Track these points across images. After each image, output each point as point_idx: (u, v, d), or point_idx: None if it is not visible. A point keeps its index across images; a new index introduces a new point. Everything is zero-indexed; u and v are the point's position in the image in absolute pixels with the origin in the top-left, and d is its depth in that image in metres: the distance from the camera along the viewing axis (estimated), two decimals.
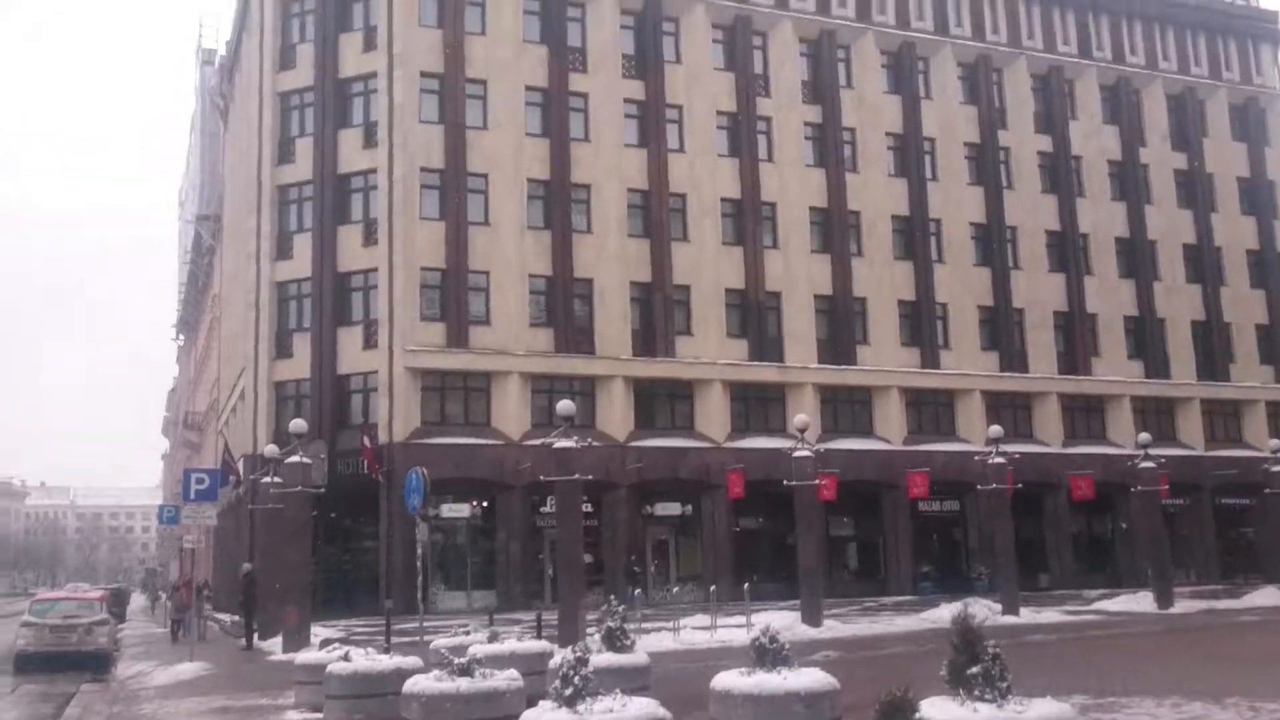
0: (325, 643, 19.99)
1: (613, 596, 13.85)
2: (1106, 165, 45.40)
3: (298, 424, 23.54)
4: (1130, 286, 44.59)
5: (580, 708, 7.81)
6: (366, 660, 12.34)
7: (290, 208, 35.93)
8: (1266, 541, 40.92)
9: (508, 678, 10.08)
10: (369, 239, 34.53)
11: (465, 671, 10.03)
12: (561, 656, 8.64)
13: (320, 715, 12.38)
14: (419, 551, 18.55)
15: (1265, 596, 32.71)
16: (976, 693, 7.11)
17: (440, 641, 15.01)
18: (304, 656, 14.60)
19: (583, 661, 8.22)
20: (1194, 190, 46.65)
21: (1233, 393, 45.55)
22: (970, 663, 7.26)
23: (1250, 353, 46.30)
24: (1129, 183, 45.37)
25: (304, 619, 21.88)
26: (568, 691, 7.98)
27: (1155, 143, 46.43)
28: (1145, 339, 44.26)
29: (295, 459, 22.63)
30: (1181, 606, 29.31)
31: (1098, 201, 44.72)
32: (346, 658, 12.42)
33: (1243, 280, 46.96)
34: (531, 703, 8.68)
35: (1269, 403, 45.85)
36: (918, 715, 5.20)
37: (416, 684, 9.98)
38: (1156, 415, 43.89)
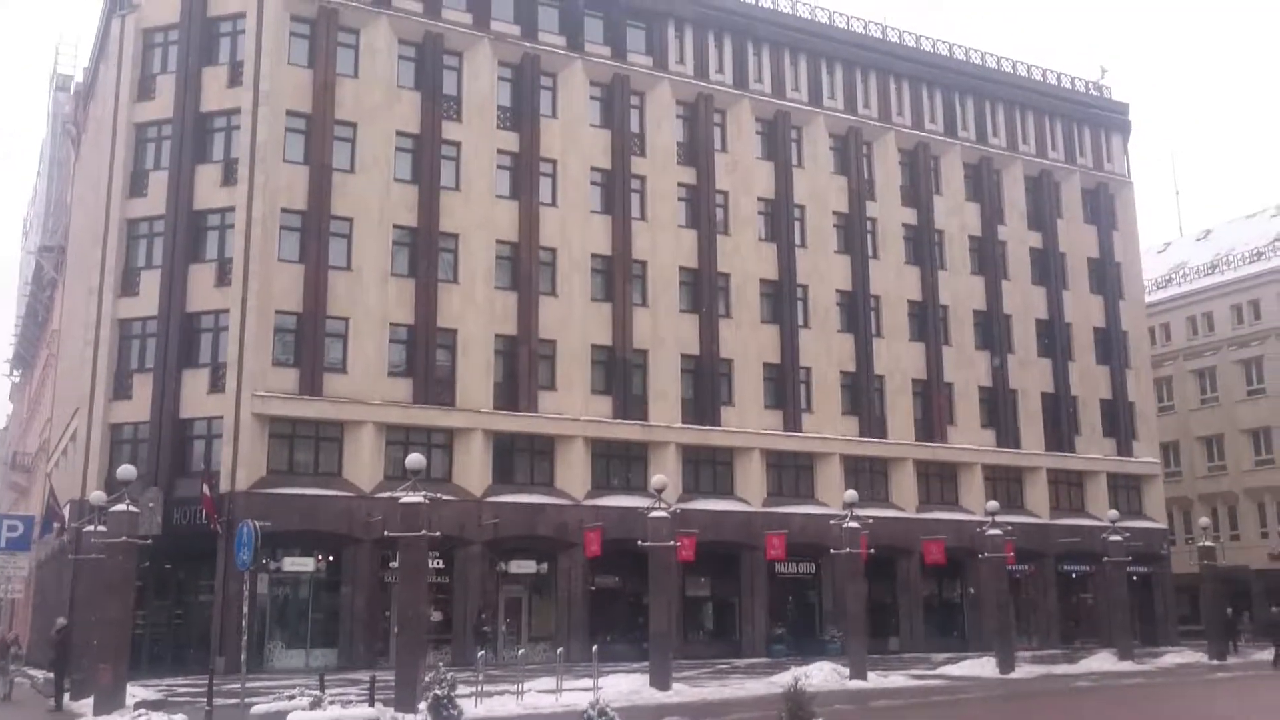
0: (140, 705, 18.75)
1: (441, 662, 13.21)
2: (967, 240, 46.87)
3: (126, 470, 22.19)
4: (985, 358, 45.90)
5: None
6: None
7: (139, 242, 34.39)
8: (1104, 608, 42.23)
9: None
10: (222, 279, 33.24)
11: None
12: None
13: None
14: (244, 608, 17.50)
15: (1100, 661, 33.66)
16: None
17: (260, 707, 14.10)
18: None
19: None
20: (1047, 268, 48.46)
21: (1077, 464, 47.10)
22: None
23: (1095, 426, 48.01)
24: (987, 258, 46.89)
25: (119, 678, 20.44)
26: None
27: (1013, 220, 48.16)
28: (998, 409, 45.53)
29: (122, 507, 21.29)
30: (1022, 671, 29.80)
31: (957, 274, 46.06)
32: None
33: (1089, 356, 48.78)
34: None
35: (1110, 474, 47.54)
36: None
37: None
38: (1006, 483, 45.08)
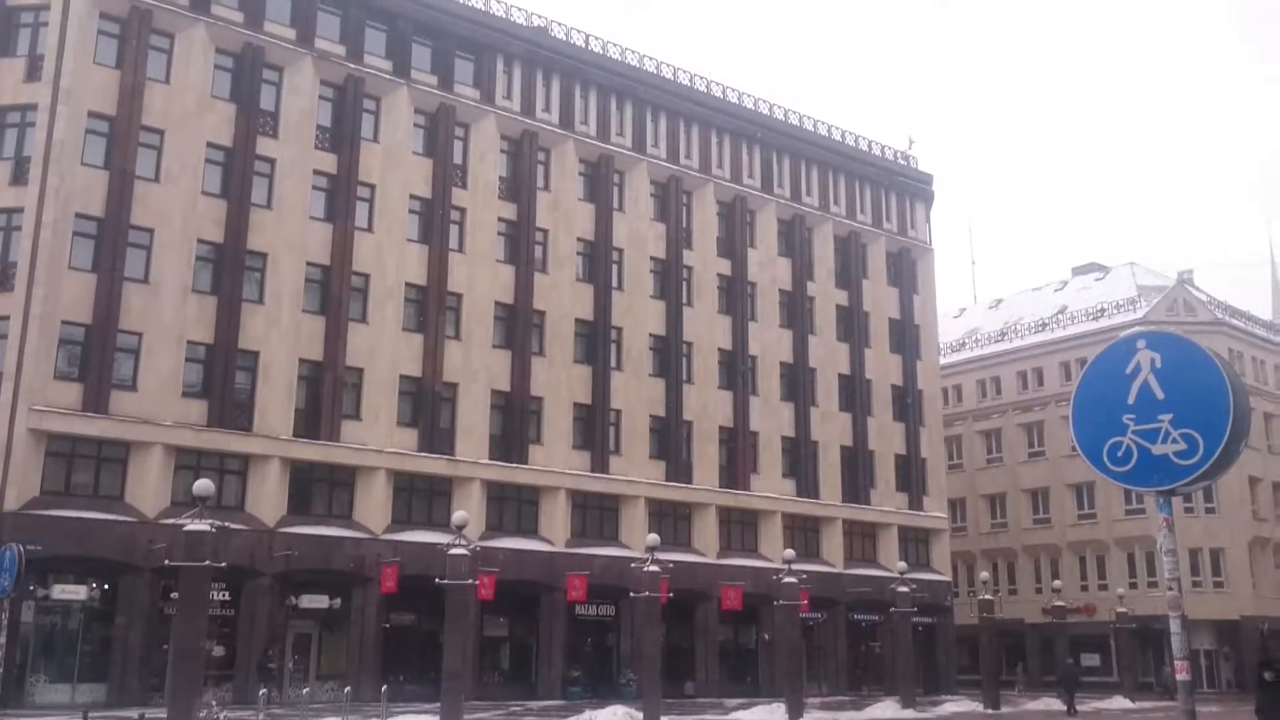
0: None
1: (213, 701, 12.54)
2: (778, 293, 48.26)
3: None
4: (790, 408, 47.22)
5: None
6: None
7: None
8: (891, 656, 43.80)
9: None
10: (3, 284, 31.08)
11: None
12: None
13: None
14: (1, 639, 16.24)
15: (884, 709, 34.80)
16: None
17: None
18: None
19: None
20: (852, 325, 50.36)
21: (871, 515, 48.88)
22: None
23: (889, 479, 49.97)
24: (796, 311, 48.38)
25: None
26: None
27: (822, 277, 49.91)
28: (799, 459, 46.85)
29: None
30: (811, 717, 30.48)
31: (767, 326, 47.34)
32: None
33: (887, 412, 50.81)
34: None
35: (901, 527, 49.52)
36: None
37: None
38: (804, 532, 46.36)
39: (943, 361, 57.67)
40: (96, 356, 31.32)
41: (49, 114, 31.99)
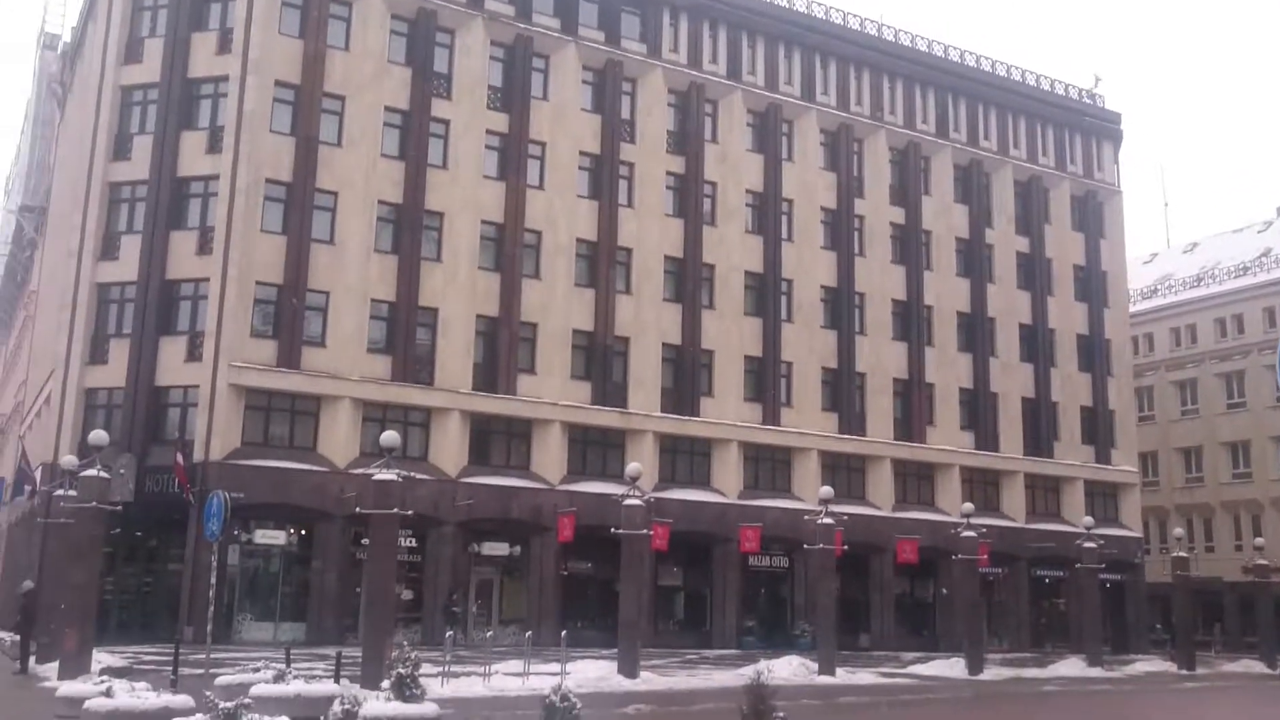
0: (105, 670, 18.56)
1: (405, 641, 13.07)
2: (954, 241, 46.85)
3: (98, 435, 21.97)
4: (968, 359, 45.94)
5: None
6: (130, 697, 11.27)
7: (121, 206, 34.02)
8: (1075, 614, 42.41)
9: None
10: (203, 247, 32.92)
11: (230, 716, 9.17)
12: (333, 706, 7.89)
13: None
14: (212, 578, 17.32)
15: (1069, 667, 33.75)
16: None
17: (224, 678, 13.94)
18: (66, 688, 13.33)
19: (350, 715, 7.49)
20: (1033, 273, 48.52)
21: (1055, 469, 47.24)
22: None
23: (1074, 432, 48.14)
24: (974, 260, 46.89)
25: (84, 643, 20.24)
26: None
27: (1001, 224, 48.17)
28: (978, 411, 45.59)
29: (92, 472, 21.06)
30: (991, 673, 29.84)
31: (943, 275, 46.05)
32: (109, 693, 11.32)
33: (1071, 363, 48.88)
34: None
35: (1087, 481, 47.69)
36: None
37: None
38: (983, 486, 45.17)
39: (1132, 309, 54.98)
40: (288, 314, 32.89)
41: (239, 84, 33.56)
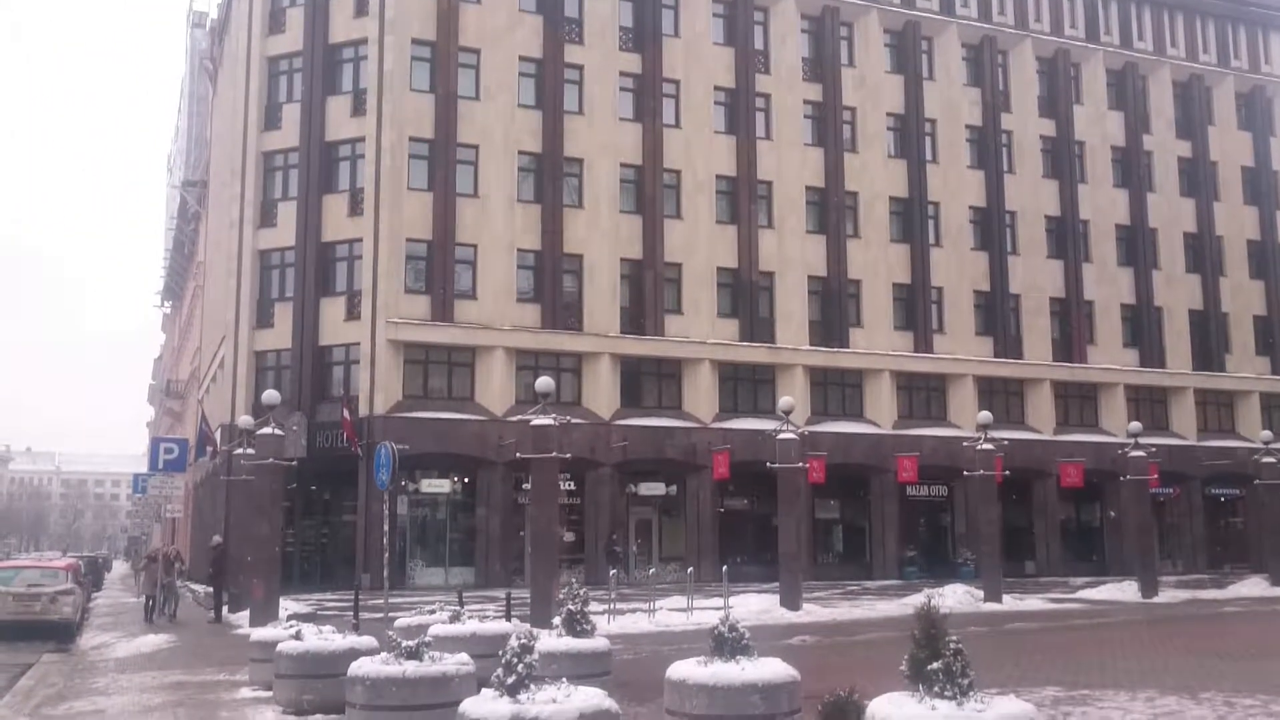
0: (293, 617, 19.62)
1: (574, 579, 13.42)
2: (1110, 151, 44.82)
3: (270, 395, 23.06)
4: (1129, 274, 44.10)
5: (522, 696, 7.35)
6: (318, 639, 11.88)
7: (275, 175, 35.35)
8: (1255, 532, 40.65)
9: (458, 662, 9.62)
10: (354, 208, 33.97)
11: (414, 654, 9.58)
12: (510, 641, 8.17)
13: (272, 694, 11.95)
14: (385, 527, 18.07)
15: (1250, 587, 32.41)
16: (936, 689, 6.72)
17: (403, 620, 14.56)
18: (259, 633, 14.16)
19: (527, 649, 7.74)
20: (1197, 178, 46.12)
21: (1228, 383, 45.15)
22: (931, 658, 6.86)
23: (1247, 344, 45.86)
24: (1131, 169, 44.81)
25: (271, 592, 21.44)
26: (510, 680, 7.51)
27: (1160, 129, 45.83)
28: (1142, 327, 43.82)
29: (268, 430, 22.14)
30: (1166, 596, 28.93)
31: (1099, 187, 44.16)
32: (298, 636, 11.97)
33: (1242, 271, 46.46)
34: (483, 687, 8.23)
35: (1263, 394, 45.47)
36: (868, 716, 4.76)
37: (361, 666, 9.53)
38: (1150, 404, 43.51)
39: None
40: (439, 269, 33.76)
41: (378, 45, 34.29)
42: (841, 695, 4.80)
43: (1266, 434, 36.06)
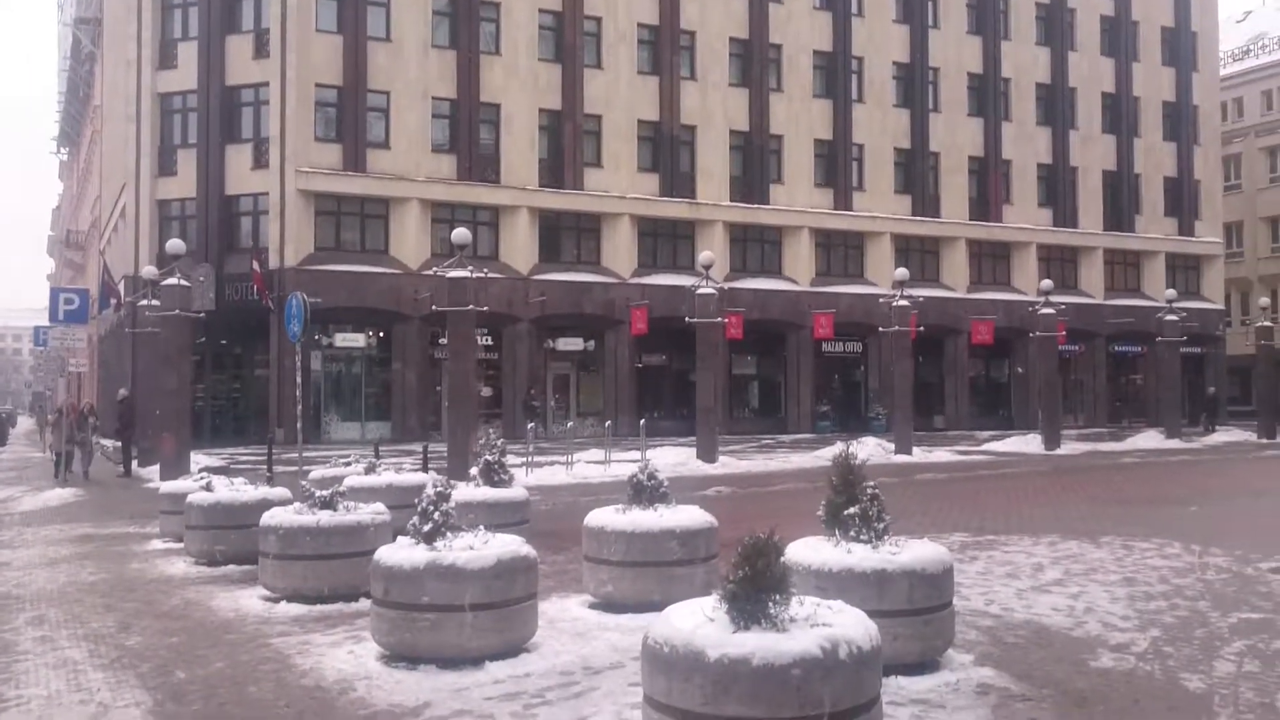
0: (204, 470, 19.33)
1: (490, 430, 13.32)
2: (1034, 7, 44.45)
3: (175, 244, 22.21)
4: (1046, 134, 44.31)
5: (439, 544, 7.25)
6: (229, 490, 11.67)
7: (174, 13, 33.46)
8: (1154, 388, 42.14)
9: (372, 511, 9.51)
10: (260, 50, 32.40)
11: (328, 504, 9.43)
12: (425, 490, 8.03)
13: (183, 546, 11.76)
14: (298, 379, 17.72)
15: (1146, 439, 33.68)
16: (852, 533, 6.79)
17: (318, 473, 14.38)
18: (168, 485, 13.88)
19: (443, 497, 7.62)
20: (1118, 37, 46.07)
21: (1136, 244, 46.07)
22: (848, 504, 6.91)
23: (1156, 205, 46.69)
24: (1055, 26, 44.57)
25: (182, 446, 21.05)
26: (426, 527, 7.40)
27: None
28: (1056, 187, 44.27)
29: (173, 281, 21.41)
30: (1068, 448, 29.91)
31: (1022, 44, 43.92)
32: (208, 487, 11.74)
33: (1156, 132, 46.96)
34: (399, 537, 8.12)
35: (1169, 254, 46.53)
36: (784, 559, 4.73)
37: (274, 516, 9.35)
38: (1061, 263, 44.33)
39: (1222, 72, 52.16)
40: (350, 117, 32.55)
41: None
42: (760, 538, 4.74)
43: (1171, 292, 37.11)
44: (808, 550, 6.73)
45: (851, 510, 6.86)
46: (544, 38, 35.63)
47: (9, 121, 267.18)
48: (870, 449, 26.23)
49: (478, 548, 7.20)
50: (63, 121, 60.65)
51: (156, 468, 21.74)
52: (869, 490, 6.92)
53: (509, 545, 7.29)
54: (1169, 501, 16.59)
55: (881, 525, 6.83)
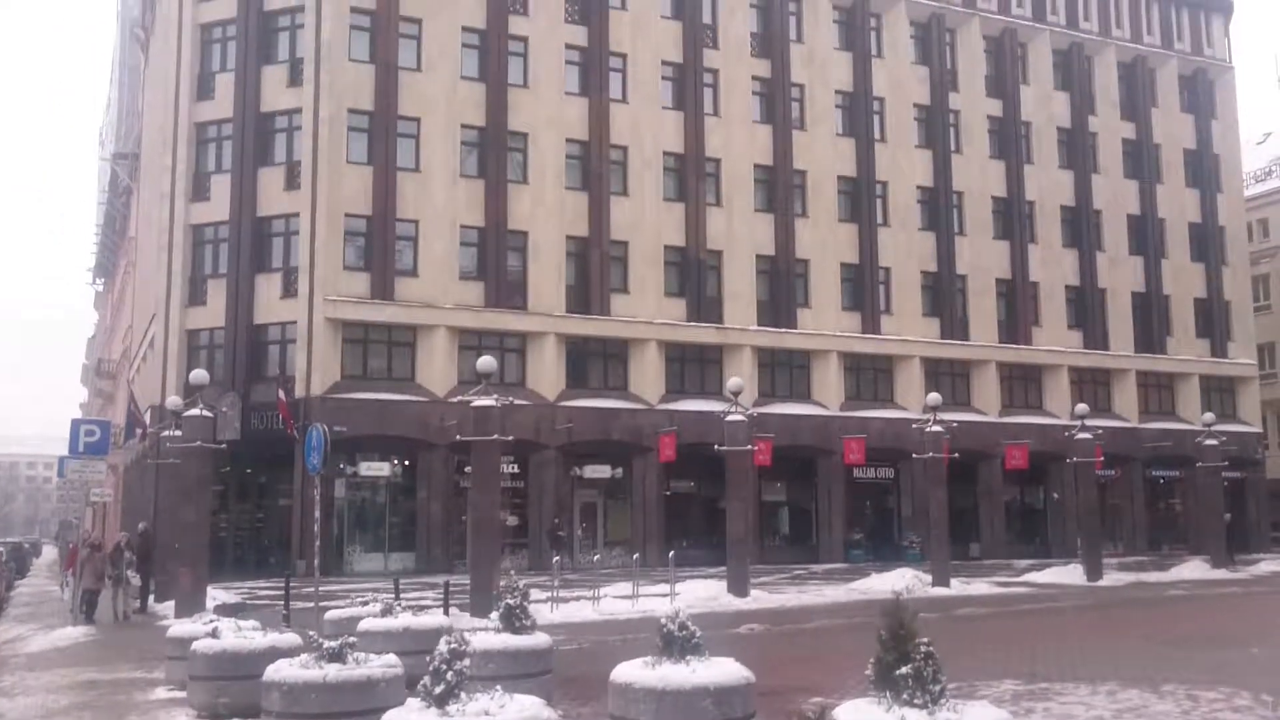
0: (220, 608, 18.80)
1: (510, 570, 12.78)
2: (1055, 132, 44.78)
3: (199, 374, 22.06)
4: (1073, 256, 44.15)
5: (451, 708, 6.71)
6: (236, 637, 11.10)
7: (209, 147, 34.09)
8: (1193, 514, 41.02)
9: (384, 664, 8.93)
10: (291, 182, 32.84)
11: (336, 656, 8.87)
12: (439, 646, 7.51)
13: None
14: (316, 513, 17.28)
15: (1191, 569, 32.59)
16: (905, 696, 6.19)
17: (333, 613, 13.84)
18: (176, 628, 13.31)
19: (458, 654, 7.09)
20: (1140, 160, 46.24)
21: (1169, 365, 45.41)
22: (899, 662, 6.33)
23: (1187, 326, 46.18)
24: (1077, 150, 44.81)
25: (199, 581, 20.54)
26: (438, 689, 6.86)
27: (1105, 110, 45.86)
28: (1086, 309, 43.92)
29: (196, 411, 21.19)
30: (1110, 579, 28.90)
31: (1045, 168, 44.13)
32: (215, 633, 11.20)
33: (1183, 253, 46.73)
34: (413, 689, 7.56)
35: (1203, 376, 45.82)
36: None
37: (279, 670, 8.79)
38: (1093, 386, 43.65)
39: (1246, 193, 52.16)
40: (379, 245, 32.78)
41: (315, 13, 33.18)
42: (811, 716, 4.21)
43: (1209, 416, 36.35)
44: (858, 718, 6.15)
45: (904, 670, 6.29)
46: (571, 166, 36.04)
47: (54, 253, 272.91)
48: (907, 580, 25.44)
49: (494, 712, 6.65)
50: (99, 253, 61.74)
51: (172, 604, 21.19)
52: (923, 646, 6.35)
53: (528, 710, 6.73)
54: (1228, 641, 15.72)
55: (937, 687, 6.25)
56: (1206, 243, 47.18)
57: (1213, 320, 46.68)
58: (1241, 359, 47.11)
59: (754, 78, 39.38)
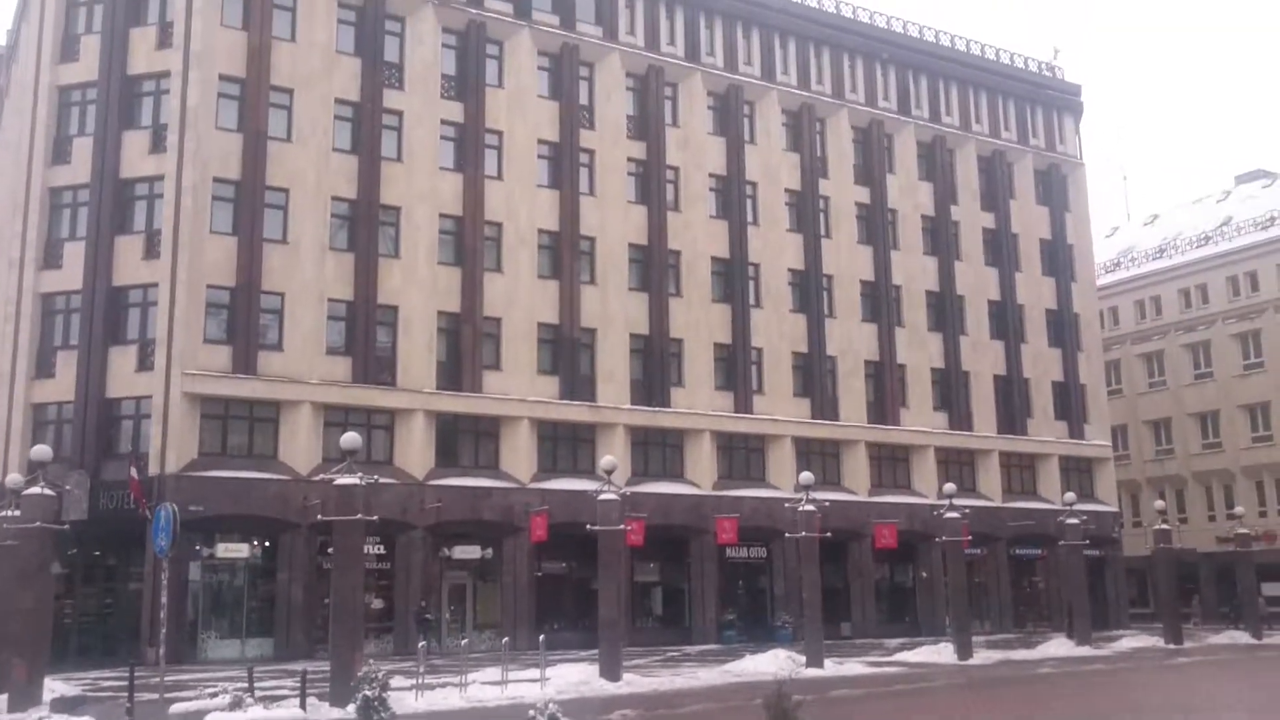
0: (57, 701, 17.51)
1: (372, 659, 12.15)
2: (920, 219, 46.27)
3: (40, 450, 20.71)
4: (938, 339, 45.40)
5: None
6: None
7: (63, 212, 32.67)
8: (1055, 591, 42.04)
9: None
10: (150, 251, 31.63)
11: None
12: None
13: None
14: (163, 599, 16.25)
15: (1056, 646, 33.28)
16: None
17: (179, 706, 12.92)
18: None
19: None
20: (1000, 249, 48.05)
21: (1029, 446, 46.80)
22: None
23: (1046, 408, 47.76)
24: (940, 237, 46.34)
25: (36, 673, 19.04)
26: None
27: (966, 200, 47.64)
28: (950, 391, 45.08)
29: (36, 490, 19.86)
30: (980, 657, 29.24)
31: (911, 254, 45.47)
32: None
33: (1041, 339, 48.50)
34: None
35: (1062, 457, 47.33)
36: None
37: None
38: (959, 466, 44.65)
39: (1098, 283, 54.66)
40: (242, 318, 31.71)
41: (182, 79, 32.30)
42: None
43: (1070, 495, 37.46)
44: None
45: None
46: (444, 241, 35.64)
47: None
48: (780, 661, 25.30)
49: None
50: None
51: (5, 699, 19.61)
52: None
53: None
54: None
55: None
56: (1062, 328, 49.08)
57: (1070, 403, 48.41)
58: (1097, 440, 48.88)
59: (630, 159, 39.78)
